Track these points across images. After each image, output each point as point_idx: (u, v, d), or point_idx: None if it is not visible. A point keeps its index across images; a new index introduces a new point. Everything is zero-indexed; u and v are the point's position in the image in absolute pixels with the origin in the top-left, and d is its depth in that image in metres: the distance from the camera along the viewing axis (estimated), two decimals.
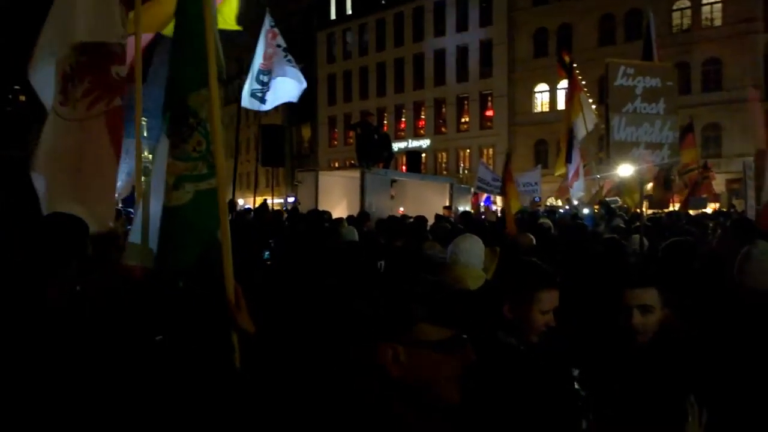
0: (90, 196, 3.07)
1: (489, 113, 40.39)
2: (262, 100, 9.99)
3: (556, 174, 14.95)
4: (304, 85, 10.18)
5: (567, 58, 14.93)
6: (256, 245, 5.64)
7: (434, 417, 1.37)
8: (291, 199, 15.44)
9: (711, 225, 10.75)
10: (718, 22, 31.98)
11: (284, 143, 11.70)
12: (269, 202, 13.12)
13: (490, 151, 39.34)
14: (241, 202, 43.88)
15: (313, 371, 1.70)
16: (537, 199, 16.97)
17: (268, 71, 9.95)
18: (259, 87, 9.98)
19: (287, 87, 10.04)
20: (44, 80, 3.23)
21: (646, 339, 2.14)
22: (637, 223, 7.46)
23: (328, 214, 9.31)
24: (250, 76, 10.01)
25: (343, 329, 1.77)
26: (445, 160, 42.75)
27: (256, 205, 11.26)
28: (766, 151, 9.76)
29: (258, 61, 10.04)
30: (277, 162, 12.28)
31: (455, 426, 1.43)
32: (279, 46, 9.98)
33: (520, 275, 2.17)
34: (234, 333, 2.00)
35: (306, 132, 51.87)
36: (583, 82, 14.44)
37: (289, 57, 10.05)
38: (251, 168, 49.11)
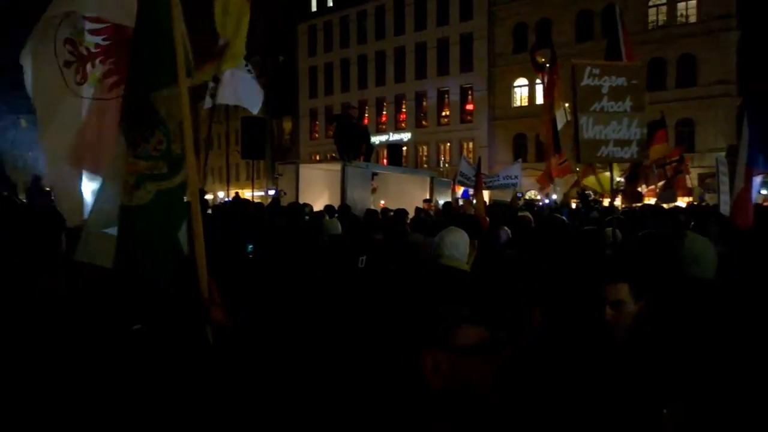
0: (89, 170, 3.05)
1: (469, 107, 40.63)
2: (213, 96, 9.65)
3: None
4: (261, 97, 9.75)
5: (541, 59, 15.19)
6: (238, 239, 5.60)
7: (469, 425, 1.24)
8: (272, 192, 15.31)
9: (683, 218, 11.03)
10: (693, 19, 32.50)
11: (265, 136, 11.52)
12: (249, 195, 13.04)
13: (470, 144, 39.65)
14: (221, 194, 43.70)
15: (310, 369, 1.67)
16: (519, 195, 17.15)
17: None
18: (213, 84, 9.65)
19: (246, 92, 9.72)
20: (44, 58, 3.11)
21: (620, 335, 2.14)
22: (610, 217, 7.61)
23: (309, 206, 9.39)
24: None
25: (369, 331, 1.78)
26: (425, 153, 42.95)
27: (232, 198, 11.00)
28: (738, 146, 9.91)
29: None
30: (257, 155, 12.22)
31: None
32: None
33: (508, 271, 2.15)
34: (209, 327, 1.97)
35: (287, 125, 51.67)
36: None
37: (249, 67, 9.65)
38: (231, 161, 48.84)
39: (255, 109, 9.53)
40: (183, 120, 2.34)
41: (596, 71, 5.52)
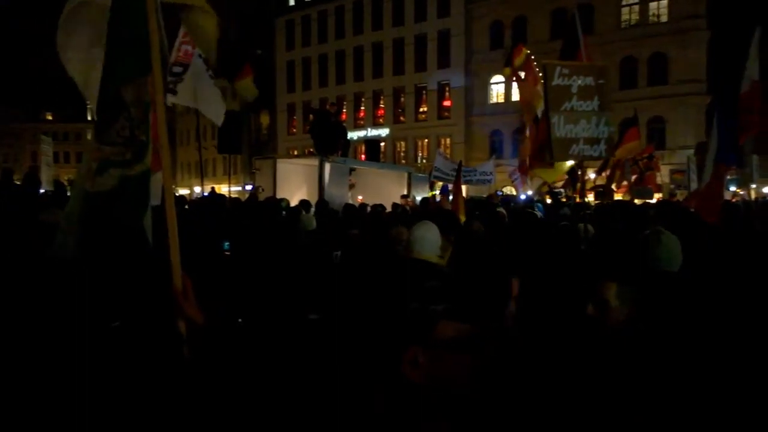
0: None
1: (447, 103, 40.89)
2: (173, 91, 9.04)
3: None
4: (224, 109, 9.32)
5: (517, 60, 15.42)
6: (214, 235, 5.49)
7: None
8: (249, 187, 15.21)
9: (652, 213, 11.31)
10: (664, 18, 33.15)
11: (241, 130, 11.35)
12: (226, 190, 12.92)
13: (448, 140, 39.93)
14: (197, 189, 43.26)
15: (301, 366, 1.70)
16: (499, 192, 17.37)
17: (182, 64, 9.09)
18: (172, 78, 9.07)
19: (208, 100, 9.31)
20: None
21: (605, 331, 2.14)
22: (582, 212, 7.74)
23: (285, 201, 9.42)
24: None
25: (360, 333, 1.80)
26: (403, 149, 43.09)
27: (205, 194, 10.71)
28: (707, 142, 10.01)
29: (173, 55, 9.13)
30: (233, 149, 12.10)
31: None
32: (200, 56, 9.15)
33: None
34: (182, 323, 1.94)
35: (265, 119, 51.34)
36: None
37: (211, 72, 9.27)
38: (209, 156, 48.38)
39: (219, 121, 9.28)
40: (158, 114, 2.27)
41: (566, 71, 5.62)
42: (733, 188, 16.69)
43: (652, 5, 33.48)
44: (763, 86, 6.74)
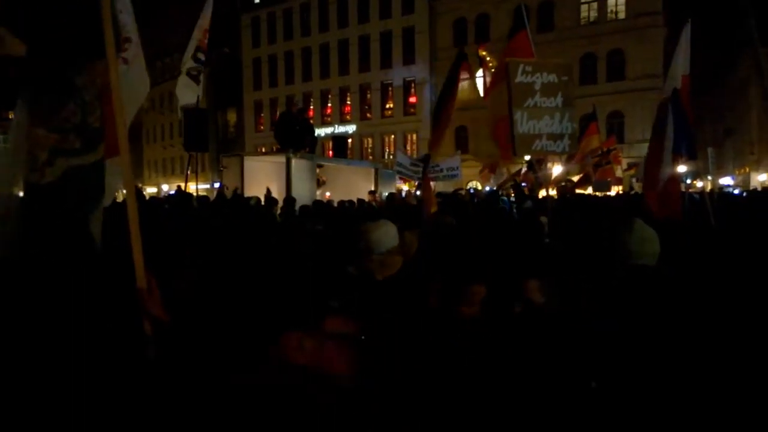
0: None
1: (412, 99, 41.22)
2: (197, 79, 8.94)
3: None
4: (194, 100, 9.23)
5: (483, 52, 15.74)
6: (179, 236, 5.24)
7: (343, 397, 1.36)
8: (217, 185, 15.13)
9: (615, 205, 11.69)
10: (622, 16, 34.09)
11: (208, 127, 11.24)
12: (193, 188, 12.73)
13: (414, 136, 40.26)
14: (165, 188, 42.69)
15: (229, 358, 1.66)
16: (472, 190, 17.58)
17: (204, 51, 8.96)
18: (195, 65, 8.96)
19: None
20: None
21: (542, 326, 2.15)
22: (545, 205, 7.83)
23: (254, 199, 9.42)
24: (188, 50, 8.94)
25: (255, 321, 1.79)
26: (371, 145, 43.27)
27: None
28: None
29: (197, 36, 8.91)
30: (200, 147, 11.86)
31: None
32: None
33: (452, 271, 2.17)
34: (146, 322, 1.89)
35: (232, 116, 50.89)
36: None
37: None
38: (175, 154, 47.74)
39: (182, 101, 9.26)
40: (114, 98, 2.12)
41: (529, 68, 5.68)
42: (688, 180, 17.47)
43: (610, 2, 34.37)
44: (690, 81, 7.02)
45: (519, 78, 5.66)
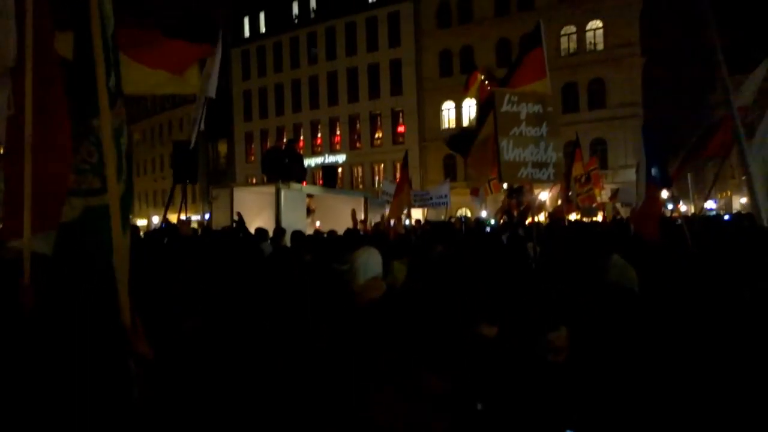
0: None
1: (401, 129, 41.82)
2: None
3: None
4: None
5: (473, 87, 16.19)
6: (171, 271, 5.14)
7: None
8: (208, 216, 15.20)
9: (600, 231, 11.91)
10: (600, 47, 35.16)
11: (197, 159, 11.31)
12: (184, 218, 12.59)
13: None
14: (155, 219, 42.79)
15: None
16: (463, 218, 17.77)
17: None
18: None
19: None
20: None
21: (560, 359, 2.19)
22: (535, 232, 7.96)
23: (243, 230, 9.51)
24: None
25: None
26: (360, 174, 43.71)
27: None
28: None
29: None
30: (189, 178, 11.77)
31: None
32: None
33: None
34: (131, 360, 1.87)
35: (222, 148, 51.34)
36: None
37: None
38: (166, 185, 47.90)
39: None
40: (105, 149, 2.17)
41: (515, 98, 5.81)
42: (670, 206, 17.93)
43: (589, 34, 35.47)
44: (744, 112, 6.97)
45: (505, 107, 5.78)
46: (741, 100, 6.98)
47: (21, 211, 2.53)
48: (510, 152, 5.77)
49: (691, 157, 8.91)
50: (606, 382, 2.19)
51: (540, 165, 5.83)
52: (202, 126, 9.09)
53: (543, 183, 7.09)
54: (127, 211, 2.31)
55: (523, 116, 5.80)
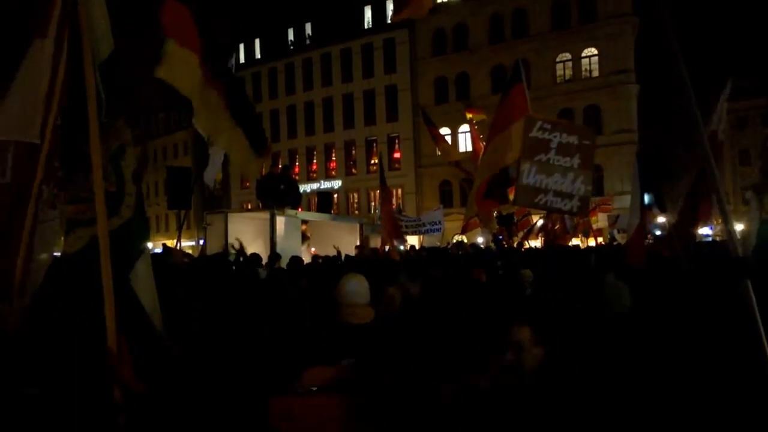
0: None
1: (396, 155, 41.94)
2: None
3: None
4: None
5: (470, 115, 16.29)
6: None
7: None
8: (202, 242, 15.04)
9: (593, 258, 11.84)
10: (595, 74, 35.52)
11: (191, 185, 11.28)
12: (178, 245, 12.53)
13: (399, 191, 40.75)
14: (149, 245, 42.33)
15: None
16: (461, 242, 17.70)
17: None
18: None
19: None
20: None
21: (524, 374, 2.18)
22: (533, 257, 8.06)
23: (233, 255, 9.32)
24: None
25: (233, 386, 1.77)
26: (356, 200, 43.62)
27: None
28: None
29: None
30: (183, 204, 11.85)
31: None
32: None
33: None
34: (117, 389, 1.82)
35: (218, 174, 51.25)
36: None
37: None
38: (161, 212, 47.60)
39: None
40: (93, 168, 2.15)
41: (547, 126, 5.77)
42: (658, 232, 17.89)
43: (584, 61, 35.88)
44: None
45: (534, 133, 5.76)
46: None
47: None
48: (531, 177, 5.72)
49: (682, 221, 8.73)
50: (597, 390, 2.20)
51: (563, 195, 5.74)
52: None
53: (561, 213, 6.96)
54: (142, 235, 2.32)
55: (554, 144, 5.74)
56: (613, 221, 25.33)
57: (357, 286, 3.16)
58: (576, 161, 5.73)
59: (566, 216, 16.51)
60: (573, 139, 5.76)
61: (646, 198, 7.41)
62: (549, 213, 9.60)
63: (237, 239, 9.80)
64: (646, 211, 7.29)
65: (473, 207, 8.41)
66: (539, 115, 6.16)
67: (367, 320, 3.00)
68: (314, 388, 1.40)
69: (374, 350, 2.25)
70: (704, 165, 5.12)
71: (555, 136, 5.71)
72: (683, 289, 5.22)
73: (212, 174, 9.86)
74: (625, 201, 29.66)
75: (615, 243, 19.90)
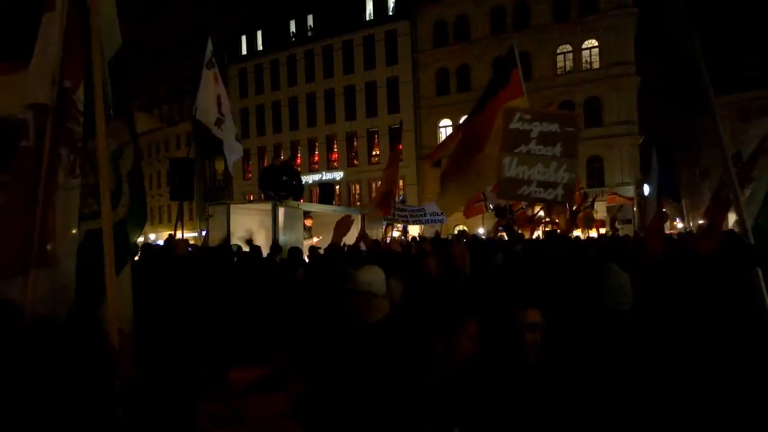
0: None
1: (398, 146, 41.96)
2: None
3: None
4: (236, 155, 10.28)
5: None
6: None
7: None
8: (205, 233, 15.19)
9: (593, 250, 11.95)
10: (596, 65, 35.46)
11: (193, 176, 11.40)
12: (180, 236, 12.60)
13: (401, 182, 40.90)
14: (152, 237, 42.72)
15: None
16: (461, 234, 17.79)
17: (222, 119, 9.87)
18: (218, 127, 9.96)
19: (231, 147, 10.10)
20: None
21: (533, 357, 2.17)
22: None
23: (235, 246, 9.46)
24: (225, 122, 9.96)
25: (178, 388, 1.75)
26: (358, 191, 43.76)
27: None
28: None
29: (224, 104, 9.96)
30: (185, 196, 11.72)
31: None
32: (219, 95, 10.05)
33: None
34: (117, 380, 1.83)
35: (220, 165, 51.37)
36: None
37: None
38: (163, 203, 47.89)
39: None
40: (100, 170, 2.16)
41: (527, 117, 5.72)
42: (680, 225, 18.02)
43: (585, 53, 35.82)
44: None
45: (514, 124, 5.70)
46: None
47: None
48: (512, 169, 5.68)
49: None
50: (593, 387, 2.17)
51: (547, 185, 5.70)
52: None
53: (546, 203, 6.95)
54: (131, 233, 2.29)
55: (534, 134, 5.69)
56: (615, 212, 25.43)
57: (373, 278, 3.08)
58: (558, 149, 5.70)
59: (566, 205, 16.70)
60: (554, 127, 5.72)
61: (663, 188, 7.34)
62: (531, 204, 9.61)
63: (247, 230, 10.02)
64: (663, 201, 7.27)
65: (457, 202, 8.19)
66: (518, 106, 6.12)
67: (383, 315, 2.91)
68: (243, 388, 1.39)
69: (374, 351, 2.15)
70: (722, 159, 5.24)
71: (535, 126, 5.68)
72: (698, 279, 5.15)
73: (235, 157, 10.26)
74: (625, 192, 29.89)
75: (617, 233, 19.99)
